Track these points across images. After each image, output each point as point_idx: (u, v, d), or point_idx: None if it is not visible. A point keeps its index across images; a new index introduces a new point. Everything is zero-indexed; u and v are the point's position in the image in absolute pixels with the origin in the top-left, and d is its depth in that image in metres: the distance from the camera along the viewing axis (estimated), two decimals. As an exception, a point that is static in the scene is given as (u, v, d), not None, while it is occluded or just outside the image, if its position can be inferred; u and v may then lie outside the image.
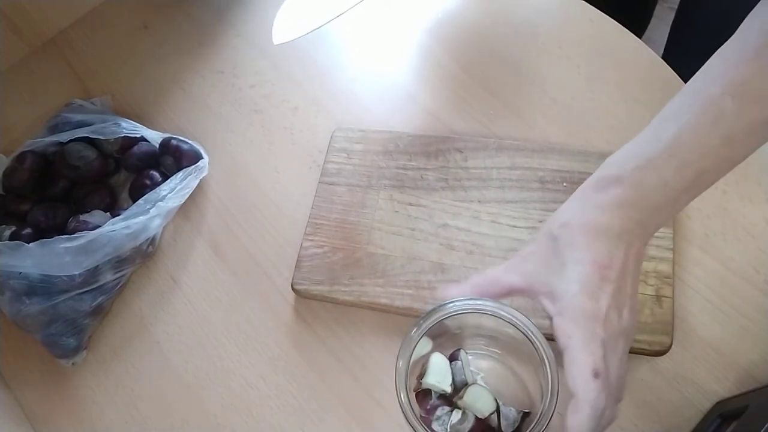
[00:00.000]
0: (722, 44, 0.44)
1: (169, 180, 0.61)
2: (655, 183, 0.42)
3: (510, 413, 0.48)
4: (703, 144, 0.41)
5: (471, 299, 0.49)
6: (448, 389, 0.49)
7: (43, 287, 0.56)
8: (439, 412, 0.48)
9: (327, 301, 0.57)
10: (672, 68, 0.64)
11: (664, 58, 0.66)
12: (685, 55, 0.67)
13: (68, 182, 0.66)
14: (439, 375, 0.49)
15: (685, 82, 0.45)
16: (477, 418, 0.48)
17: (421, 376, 0.49)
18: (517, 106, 0.65)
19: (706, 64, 0.43)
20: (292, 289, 0.58)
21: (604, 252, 0.41)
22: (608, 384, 0.40)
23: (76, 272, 0.56)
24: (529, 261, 0.45)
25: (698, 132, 0.41)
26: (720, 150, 0.42)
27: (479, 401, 0.48)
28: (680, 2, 0.86)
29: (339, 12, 0.54)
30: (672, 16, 0.87)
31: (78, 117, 0.66)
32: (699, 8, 0.81)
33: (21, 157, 0.64)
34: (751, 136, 0.42)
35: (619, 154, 0.44)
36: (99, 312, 0.60)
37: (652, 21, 1.01)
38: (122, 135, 0.63)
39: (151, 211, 0.59)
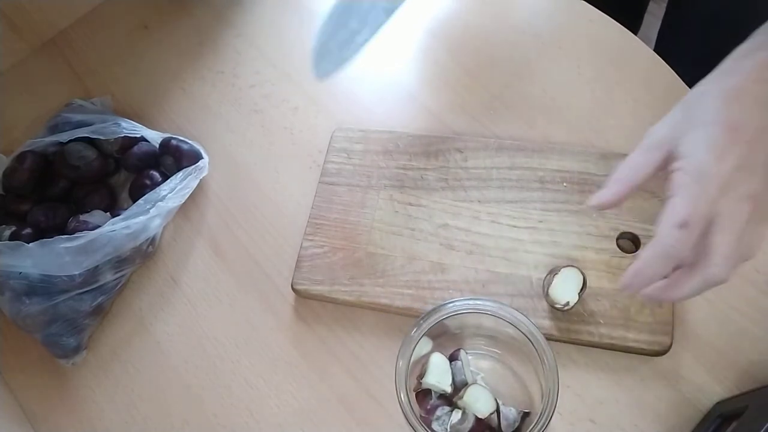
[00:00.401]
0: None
1: (169, 180, 0.61)
2: None
3: (510, 413, 0.48)
4: None
5: (471, 299, 0.49)
6: (448, 389, 0.49)
7: (43, 287, 0.56)
8: (439, 412, 0.48)
9: (327, 301, 0.57)
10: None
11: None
12: (671, 55, 0.67)
13: (68, 182, 0.66)
14: (439, 375, 0.49)
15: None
16: (477, 418, 0.48)
17: (421, 376, 0.49)
18: (517, 106, 0.65)
19: None
20: (292, 289, 0.58)
21: (738, 114, 0.39)
22: (696, 240, 0.38)
23: (76, 272, 0.56)
24: (662, 128, 0.42)
25: None
26: None
27: (479, 401, 0.48)
28: (668, 3, 0.86)
29: (374, 32, 0.54)
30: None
31: (78, 117, 0.66)
32: (685, 9, 0.81)
33: (21, 157, 0.64)
34: None
35: (765, 26, 0.40)
36: (99, 312, 0.60)
37: (647, 18, 1.01)
38: (122, 135, 0.63)
39: (151, 211, 0.59)
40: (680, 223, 0.38)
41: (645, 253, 0.39)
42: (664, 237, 0.38)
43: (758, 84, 0.39)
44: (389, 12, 0.51)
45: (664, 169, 0.41)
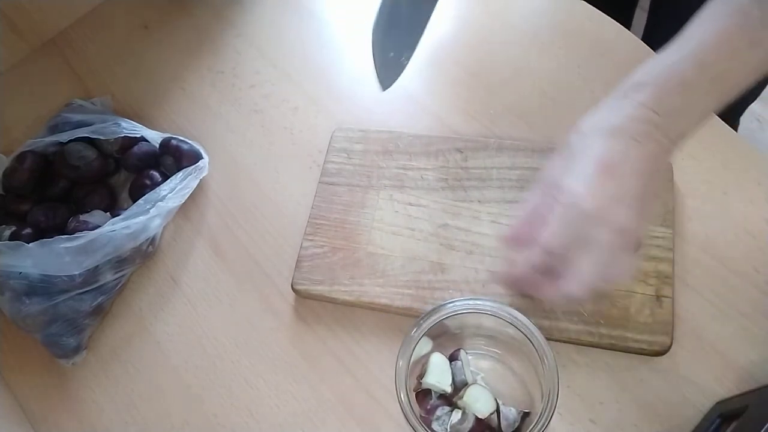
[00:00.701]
0: None
1: (169, 180, 0.61)
2: (675, 84, 0.42)
3: (510, 413, 0.48)
4: (728, 46, 0.41)
5: (471, 299, 0.49)
6: (448, 389, 0.49)
7: (43, 287, 0.56)
8: (439, 412, 0.48)
9: (327, 301, 0.57)
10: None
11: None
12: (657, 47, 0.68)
13: (68, 182, 0.66)
14: (439, 375, 0.49)
15: None
16: (477, 418, 0.48)
17: (421, 376, 0.50)
18: (517, 106, 0.65)
19: None
20: (292, 289, 0.58)
21: (614, 150, 0.42)
22: (559, 258, 0.43)
23: (76, 272, 0.56)
24: (550, 167, 0.46)
25: (722, 35, 0.41)
26: (744, 53, 0.41)
27: (479, 401, 0.48)
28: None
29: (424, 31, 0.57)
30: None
31: (78, 117, 0.66)
32: (668, 7, 0.81)
33: (21, 157, 0.64)
34: None
35: (647, 62, 0.43)
36: (99, 312, 0.60)
37: (638, 11, 1.01)
38: (122, 135, 0.64)
39: (151, 211, 0.59)
40: (546, 249, 0.43)
41: (519, 260, 0.46)
42: (532, 254, 0.44)
43: (632, 122, 0.42)
44: (428, 13, 0.54)
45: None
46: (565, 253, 0.43)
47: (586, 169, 0.42)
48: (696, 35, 0.42)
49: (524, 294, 0.49)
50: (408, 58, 0.54)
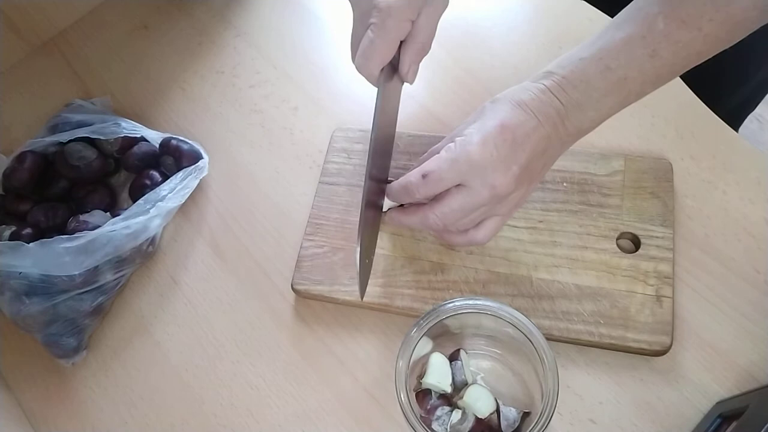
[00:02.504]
0: None
1: (169, 180, 0.61)
2: (579, 80, 0.46)
3: (510, 413, 0.48)
4: (630, 54, 0.45)
5: (471, 299, 0.49)
6: (448, 389, 0.49)
7: (43, 287, 0.56)
8: (439, 412, 0.48)
9: (327, 301, 0.57)
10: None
11: None
12: None
13: (68, 182, 0.66)
14: (439, 375, 0.49)
15: None
16: (477, 418, 0.48)
17: (421, 376, 0.50)
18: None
19: None
20: (292, 289, 0.58)
21: (515, 118, 0.46)
22: (433, 190, 0.48)
23: (76, 272, 0.56)
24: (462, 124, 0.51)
25: (628, 42, 0.45)
26: (645, 62, 0.45)
27: (479, 401, 0.48)
28: None
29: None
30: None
31: (78, 117, 0.66)
32: None
33: (21, 157, 0.64)
34: (676, 56, 0.45)
35: (564, 54, 0.48)
36: (99, 312, 0.60)
37: None
38: (122, 135, 0.64)
39: (151, 211, 0.59)
40: (423, 173, 0.47)
41: (396, 181, 0.50)
42: (410, 176, 0.49)
43: (536, 101, 0.46)
44: (379, 215, 0.56)
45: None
46: (439, 186, 0.47)
47: (486, 124, 0.46)
48: (605, 37, 0.46)
49: (395, 213, 0.53)
50: (371, 260, 0.55)
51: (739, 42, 0.45)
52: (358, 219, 0.59)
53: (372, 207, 0.51)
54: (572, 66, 0.46)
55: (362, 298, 0.52)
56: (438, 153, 0.48)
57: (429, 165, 0.47)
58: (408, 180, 0.49)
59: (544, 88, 0.46)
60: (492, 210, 0.49)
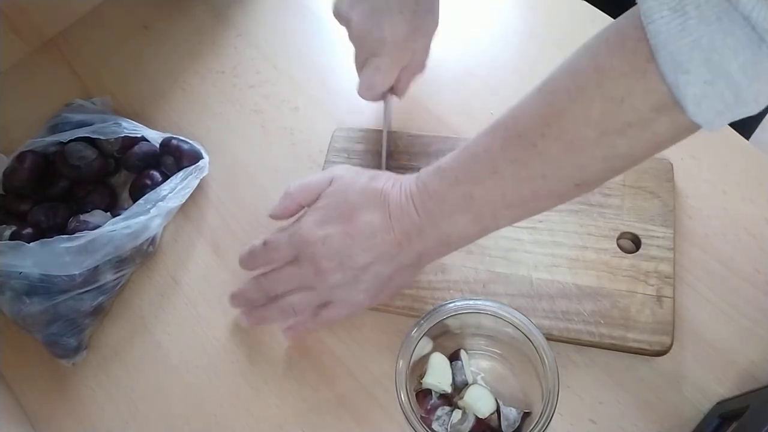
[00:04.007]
0: None
1: (169, 180, 0.61)
2: (433, 189, 0.44)
3: (510, 413, 0.48)
4: (475, 171, 0.42)
5: (471, 299, 0.49)
6: (449, 389, 0.49)
7: (43, 287, 0.56)
8: (439, 412, 0.48)
9: (327, 301, 0.57)
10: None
11: None
12: None
13: (68, 182, 0.66)
14: (439, 375, 0.49)
15: None
16: (477, 418, 0.48)
17: (422, 376, 0.50)
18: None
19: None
20: (292, 289, 0.58)
21: (367, 209, 0.47)
22: (269, 259, 0.52)
23: (76, 272, 0.56)
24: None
25: (474, 155, 0.43)
26: (488, 180, 0.42)
27: (479, 401, 0.48)
28: None
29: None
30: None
31: (78, 117, 0.66)
32: None
33: (21, 157, 0.64)
34: (518, 178, 0.41)
35: (444, 157, 0.45)
36: (99, 312, 0.60)
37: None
38: (122, 135, 0.64)
39: (151, 211, 0.59)
40: (264, 240, 0.52)
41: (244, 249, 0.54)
42: (254, 243, 0.52)
43: (400, 211, 0.46)
44: None
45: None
46: (276, 254, 0.51)
47: (334, 210, 0.48)
48: (468, 146, 0.43)
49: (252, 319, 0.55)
50: None
51: None
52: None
53: None
54: (431, 174, 0.45)
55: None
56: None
57: (271, 236, 0.51)
58: (252, 244, 0.52)
59: (409, 193, 0.46)
60: (324, 291, 0.50)
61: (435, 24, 0.57)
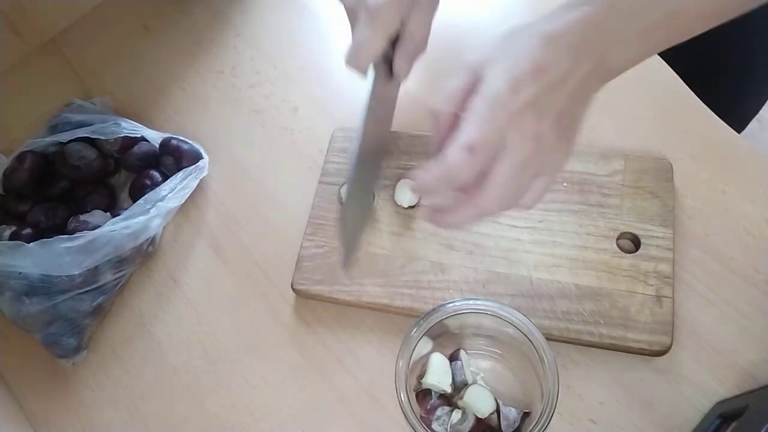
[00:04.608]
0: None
1: (169, 180, 0.61)
2: (624, 8, 0.40)
3: (510, 413, 0.48)
4: None
5: (471, 299, 0.49)
6: (448, 389, 0.49)
7: (43, 287, 0.56)
8: (439, 412, 0.48)
9: (327, 301, 0.57)
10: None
11: None
12: None
13: (68, 182, 0.66)
14: (439, 375, 0.49)
15: None
16: (477, 418, 0.48)
17: (421, 376, 0.50)
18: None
19: None
20: (292, 289, 0.58)
21: (549, 57, 0.39)
22: (480, 165, 0.39)
23: (76, 272, 0.56)
24: (477, 56, 0.42)
25: None
26: None
27: (479, 401, 0.48)
28: None
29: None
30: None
31: (78, 117, 0.66)
32: None
33: (21, 157, 0.64)
34: None
35: None
36: (99, 312, 0.60)
37: None
38: (122, 135, 0.64)
39: (151, 211, 0.59)
40: (467, 146, 0.38)
41: (430, 171, 0.40)
42: (451, 157, 0.39)
43: (573, 34, 0.39)
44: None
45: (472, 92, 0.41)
46: (485, 156, 0.39)
47: (514, 67, 0.39)
48: None
49: (437, 215, 0.43)
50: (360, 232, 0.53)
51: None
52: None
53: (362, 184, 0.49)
54: None
55: (345, 269, 0.48)
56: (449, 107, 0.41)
57: (469, 135, 0.39)
58: (449, 163, 0.39)
59: (582, 18, 0.39)
60: (540, 166, 0.41)
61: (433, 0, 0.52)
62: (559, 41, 0.39)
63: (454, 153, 0.39)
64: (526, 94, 0.38)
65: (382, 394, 0.54)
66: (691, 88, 0.63)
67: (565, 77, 0.39)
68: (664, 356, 0.51)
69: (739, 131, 0.62)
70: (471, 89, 0.40)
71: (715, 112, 0.61)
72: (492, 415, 0.48)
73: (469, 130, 0.39)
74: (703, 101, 0.62)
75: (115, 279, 0.60)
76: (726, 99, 0.69)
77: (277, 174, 0.66)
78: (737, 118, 0.63)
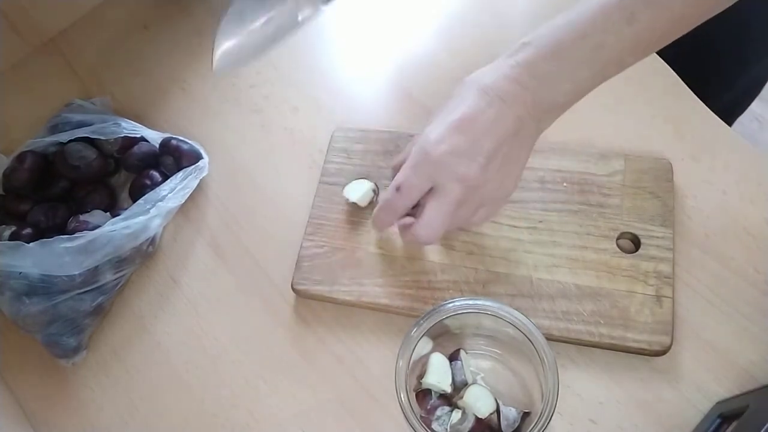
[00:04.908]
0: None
1: (169, 180, 0.61)
2: (552, 51, 0.43)
3: (510, 413, 0.48)
4: (606, 19, 0.42)
5: (471, 299, 0.49)
6: (448, 389, 0.49)
7: (43, 287, 0.56)
8: (439, 412, 0.48)
9: (327, 301, 0.57)
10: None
11: None
12: None
13: (68, 182, 0.66)
14: (439, 375, 0.49)
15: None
16: (477, 418, 0.48)
17: (421, 376, 0.50)
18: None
19: None
20: (292, 289, 0.58)
21: (476, 107, 0.45)
22: (413, 199, 0.48)
23: (76, 272, 0.56)
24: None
25: (603, 7, 0.42)
26: (622, 28, 0.42)
27: (479, 401, 0.48)
28: None
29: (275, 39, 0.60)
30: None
31: (78, 117, 0.66)
32: None
33: (21, 157, 0.64)
34: (656, 20, 0.42)
35: (543, 24, 0.45)
36: (99, 312, 0.60)
37: None
38: (122, 135, 0.64)
39: (151, 211, 0.59)
40: (396, 186, 0.48)
41: (376, 207, 0.51)
42: (387, 193, 0.49)
43: (504, 82, 0.44)
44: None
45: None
46: (414, 193, 0.47)
47: (446, 119, 0.46)
48: (582, 5, 0.43)
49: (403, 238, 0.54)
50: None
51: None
52: (357, 219, 0.59)
53: None
54: (547, 35, 0.44)
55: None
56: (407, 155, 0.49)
57: (398, 177, 0.48)
58: (385, 199, 0.49)
59: (514, 64, 0.44)
60: (476, 200, 0.48)
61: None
62: (489, 92, 0.45)
63: (387, 191, 0.49)
64: (448, 144, 0.45)
65: (382, 394, 0.54)
66: (684, 77, 0.63)
67: (494, 124, 0.44)
68: (664, 356, 0.51)
69: (730, 124, 0.63)
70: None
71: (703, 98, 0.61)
72: (492, 415, 0.48)
73: (399, 173, 0.48)
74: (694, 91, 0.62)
75: (115, 279, 0.60)
76: (719, 90, 0.70)
77: (277, 174, 0.66)
78: (723, 108, 0.63)
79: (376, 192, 0.60)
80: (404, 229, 0.51)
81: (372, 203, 0.60)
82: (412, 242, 0.52)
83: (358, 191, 0.59)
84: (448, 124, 0.45)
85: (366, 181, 0.60)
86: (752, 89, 0.85)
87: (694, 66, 0.60)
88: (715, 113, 0.61)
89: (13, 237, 0.61)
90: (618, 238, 0.55)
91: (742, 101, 0.87)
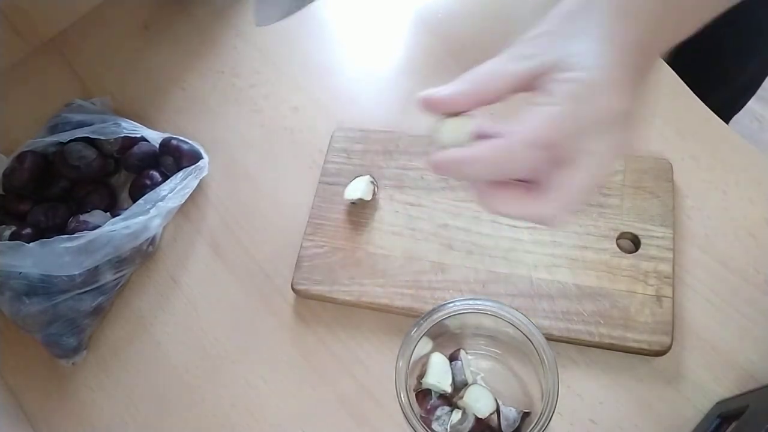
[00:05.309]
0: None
1: (169, 180, 0.61)
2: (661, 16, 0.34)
3: (510, 413, 0.48)
4: None
5: (471, 299, 0.49)
6: (448, 389, 0.49)
7: (43, 287, 0.56)
8: (439, 412, 0.48)
9: (327, 301, 0.57)
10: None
11: None
12: None
13: (68, 182, 0.66)
14: (439, 375, 0.49)
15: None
16: (477, 418, 0.48)
17: (421, 376, 0.50)
18: (517, 106, 0.65)
19: None
20: (292, 289, 0.58)
21: (630, 36, 0.33)
22: (547, 163, 0.32)
23: (76, 272, 0.56)
24: (538, 40, 0.36)
25: None
26: None
27: (479, 401, 0.48)
28: None
29: None
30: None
31: (78, 117, 0.66)
32: None
33: (21, 157, 0.64)
34: None
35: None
36: (99, 312, 0.60)
37: None
38: (122, 135, 0.63)
39: (151, 211, 0.59)
40: (544, 143, 0.32)
41: (482, 149, 0.33)
42: (518, 147, 0.32)
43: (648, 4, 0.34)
44: None
45: (529, 82, 0.35)
46: (544, 157, 0.32)
47: (606, 50, 0.32)
48: None
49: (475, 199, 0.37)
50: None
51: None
52: (357, 219, 0.59)
53: None
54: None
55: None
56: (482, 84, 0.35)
57: (541, 131, 0.32)
58: (515, 156, 0.33)
59: (632, 48, 0.34)
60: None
61: None
62: (632, 15, 0.34)
63: (516, 143, 0.33)
64: (618, 106, 0.33)
65: (382, 394, 0.54)
66: (685, 73, 0.62)
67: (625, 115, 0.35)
68: (664, 356, 0.51)
69: (727, 121, 0.62)
70: (530, 78, 0.35)
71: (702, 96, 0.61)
72: (492, 415, 0.48)
73: (545, 125, 0.32)
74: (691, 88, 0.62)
75: (115, 279, 0.60)
76: (717, 87, 0.69)
77: (277, 174, 0.66)
78: (721, 105, 0.63)
79: (375, 184, 0.60)
80: (516, 200, 0.35)
81: (374, 197, 0.59)
82: (511, 215, 0.36)
83: (359, 188, 0.59)
84: (614, 59, 0.33)
85: (364, 176, 0.60)
86: (750, 86, 0.85)
87: (692, 63, 0.60)
88: (712, 110, 0.61)
89: (13, 237, 0.61)
90: (618, 238, 0.55)
91: (739, 98, 0.87)
